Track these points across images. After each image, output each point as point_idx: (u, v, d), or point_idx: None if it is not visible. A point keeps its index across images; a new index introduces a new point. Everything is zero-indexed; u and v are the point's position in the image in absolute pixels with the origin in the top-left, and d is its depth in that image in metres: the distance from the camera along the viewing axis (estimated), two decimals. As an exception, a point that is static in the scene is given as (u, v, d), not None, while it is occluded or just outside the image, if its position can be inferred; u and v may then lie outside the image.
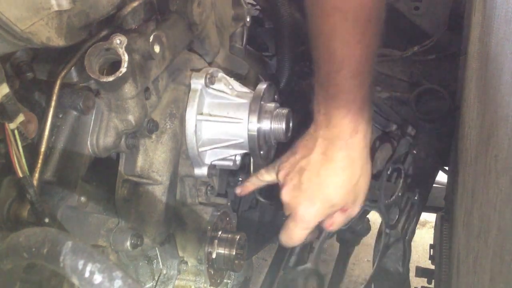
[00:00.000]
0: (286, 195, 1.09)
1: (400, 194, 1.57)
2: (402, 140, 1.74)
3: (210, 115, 1.19)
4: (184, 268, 1.22)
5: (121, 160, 1.11)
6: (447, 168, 1.76)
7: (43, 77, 0.94)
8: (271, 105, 1.23)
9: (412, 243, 1.69)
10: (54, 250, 0.59)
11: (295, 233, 1.10)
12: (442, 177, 1.80)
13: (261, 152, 1.24)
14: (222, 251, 1.23)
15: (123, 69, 0.92)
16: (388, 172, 1.59)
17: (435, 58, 1.85)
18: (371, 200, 1.53)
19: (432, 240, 1.76)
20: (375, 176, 1.88)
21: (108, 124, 1.00)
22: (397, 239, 1.59)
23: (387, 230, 1.60)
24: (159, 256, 1.21)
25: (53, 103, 0.89)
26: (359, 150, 1.02)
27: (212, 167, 1.24)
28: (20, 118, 0.79)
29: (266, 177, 1.22)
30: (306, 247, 2.03)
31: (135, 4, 0.98)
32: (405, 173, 1.59)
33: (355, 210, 1.12)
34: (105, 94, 1.00)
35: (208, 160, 1.24)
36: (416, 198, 1.61)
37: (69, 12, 0.82)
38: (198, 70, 1.22)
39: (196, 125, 1.17)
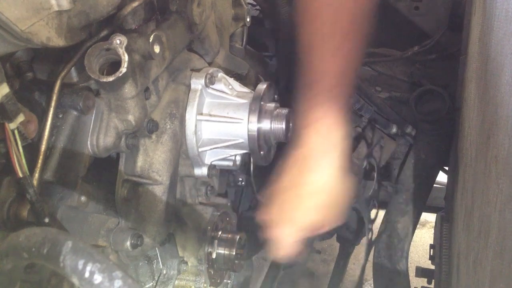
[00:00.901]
0: (261, 215, 1.04)
1: (376, 188, 1.59)
2: (402, 140, 1.74)
3: (210, 115, 1.19)
4: (184, 268, 1.22)
5: (121, 160, 1.11)
6: (447, 168, 1.76)
7: (43, 77, 0.94)
8: (271, 105, 1.23)
9: (412, 243, 1.69)
10: (54, 250, 0.59)
11: (276, 253, 1.03)
12: (442, 177, 1.80)
13: (261, 152, 1.24)
14: (222, 251, 1.23)
15: (123, 69, 0.92)
16: (364, 167, 1.61)
17: (435, 58, 1.85)
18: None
19: (432, 240, 1.76)
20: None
21: (108, 124, 1.00)
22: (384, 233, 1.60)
23: (370, 225, 1.62)
24: (159, 256, 1.21)
25: (53, 103, 0.89)
26: (330, 171, 0.94)
27: (212, 167, 1.24)
28: (20, 118, 0.79)
29: None
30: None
31: (135, 4, 0.98)
32: (377, 166, 1.61)
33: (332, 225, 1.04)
34: (105, 94, 1.00)
35: (208, 160, 1.24)
36: (390, 187, 1.63)
37: (69, 12, 0.82)
38: (198, 70, 1.22)
39: (196, 125, 1.17)
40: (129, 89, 0.99)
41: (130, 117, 1.02)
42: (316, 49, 0.92)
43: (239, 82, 1.28)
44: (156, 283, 1.20)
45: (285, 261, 1.07)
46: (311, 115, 0.94)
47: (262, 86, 1.23)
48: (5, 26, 0.70)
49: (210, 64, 1.35)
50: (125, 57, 0.92)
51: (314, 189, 0.95)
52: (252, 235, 1.59)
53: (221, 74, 1.24)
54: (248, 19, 1.63)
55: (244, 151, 1.24)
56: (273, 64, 1.94)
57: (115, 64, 0.94)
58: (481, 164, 0.91)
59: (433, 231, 1.76)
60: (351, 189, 1.01)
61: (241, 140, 1.19)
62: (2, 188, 0.83)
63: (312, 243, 1.48)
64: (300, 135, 0.96)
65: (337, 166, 0.95)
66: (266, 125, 1.20)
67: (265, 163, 1.33)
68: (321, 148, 0.93)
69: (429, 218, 3.05)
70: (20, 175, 0.81)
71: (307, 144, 0.94)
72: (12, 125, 0.78)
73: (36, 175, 0.87)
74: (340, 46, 0.91)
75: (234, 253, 1.22)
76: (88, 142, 0.98)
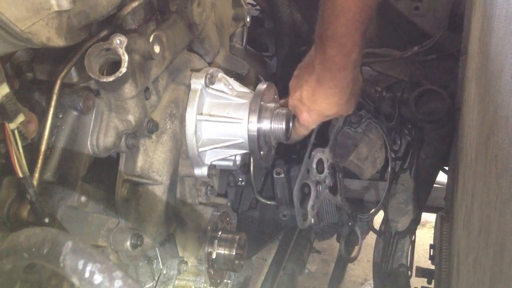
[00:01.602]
0: (291, 101, 1.33)
1: (398, 121, 1.68)
2: (402, 140, 1.74)
3: (210, 115, 1.19)
4: (184, 268, 1.22)
5: (121, 160, 1.11)
6: (447, 168, 1.76)
7: (43, 77, 0.94)
8: (271, 105, 1.23)
9: (412, 243, 1.69)
10: (54, 250, 0.59)
11: (300, 132, 1.38)
12: (442, 177, 1.80)
13: (261, 152, 1.24)
14: (222, 251, 1.23)
15: (123, 69, 0.92)
16: (384, 96, 1.66)
17: (435, 58, 1.85)
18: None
19: (432, 240, 1.76)
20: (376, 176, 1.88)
21: (108, 124, 1.00)
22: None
23: (393, 155, 1.65)
24: (159, 256, 1.21)
25: (53, 103, 0.89)
26: (346, 82, 1.24)
27: (212, 167, 1.24)
28: (20, 118, 0.79)
29: None
30: (306, 247, 2.04)
31: (135, 4, 0.98)
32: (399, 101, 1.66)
33: (348, 113, 1.43)
34: (105, 94, 1.00)
35: (208, 160, 1.24)
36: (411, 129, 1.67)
37: (69, 12, 0.82)
38: (198, 70, 1.22)
39: (196, 125, 1.17)
40: (129, 89, 0.99)
41: (130, 117, 1.02)
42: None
43: (239, 82, 1.28)
44: (156, 283, 1.20)
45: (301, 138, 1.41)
46: (334, 40, 1.16)
47: (262, 86, 1.23)
48: (5, 26, 0.71)
49: (210, 64, 1.35)
50: (125, 57, 0.92)
51: (332, 92, 1.25)
52: (252, 235, 1.59)
53: (221, 74, 1.24)
54: (248, 19, 1.63)
55: (244, 151, 1.24)
56: (273, 64, 1.94)
57: (115, 64, 0.94)
58: (481, 164, 0.91)
59: (433, 231, 1.76)
60: (361, 84, 1.35)
61: (241, 140, 1.19)
62: (2, 188, 0.83)
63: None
64: (324, 53, 1.19)
65: (351, 80, 1.24)
66: (266, 125, 1.20)
67: (265, 163, 1.33)
68: (340, 65, 1.20)
69: (429, 218, 3.05)
70: (20, 175, 0.81)
71: (330, 61, 1.20)
72: (12, 125, 0.78)
73: (36, 175, 0.87)
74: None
75: (234, 253, 1.22)
76: (88, 142, 0.98)
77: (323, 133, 1.64)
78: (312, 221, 1.58)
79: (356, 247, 1.70)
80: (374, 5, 1.13)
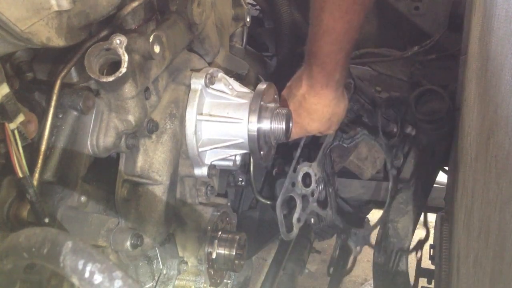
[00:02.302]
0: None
1: (400, 135, 1.68)
2: (402, 141, 1.74)
3: (210, 115, 1.19)
4: (184, 268, 1.22)
5: (121, 160, 1.11)
6: (447, 168, 1.76)
7: (43, 77, 0.94)
8: (271, 105, 1.23)
9: (412, 243, 1.69)
10: (54, 250, 0.59)
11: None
12: (442, 177, 1.80)
13: (261, 153, 1.24)
14: (222, 251, 1.23)
15: (123, 69, 0.92)
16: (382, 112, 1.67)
17: (435, 58, 1.85)
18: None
19: (432, 240, 1.76)
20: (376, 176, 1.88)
21: (108, 124, 1.00)
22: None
23: (394, 171, 1.65)
24: (159, 256, 1.21)
25: (53, 103, 0.89)
26: (328, 100, 1.30)
27: (212, 167, 1.24)
28: (20, 118, 0.79)
29: None
30: (306, 247, 2.04)
31: (135, 4, 0.98)
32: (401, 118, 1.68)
33: (329, 133, 1.49)
34: (105, 94, 1.00)
35: (208, 160, 1.24)
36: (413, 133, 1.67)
37: (69, 12, 0.82)
38: (198, 70, 1.22)
39: (196, 125, 1.17)
40: (129, 89, 0.99)
41: (130, 117, 1.02)
42: (327, 10, 1.13)
43: (239, 82, 1.28)
44: (156, 283, 1.20)
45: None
46: (318, 59, 1.23)
47: (262, 86, 1.23)
48: (5, 26, 0.71)
49: (210, 64, 1.35)
50: (125, 57, 0.92)
51: (315, 108, 1.31)
52: (252, 235, 1.59)
53: (221, 74, 1.24)
54: (248, 19, 1.63)
55: (244, 151, 1.24)
56: (273, 64, 1.94)
57: (115, 64, 0.94)
58: (481, 164, 0.91)
59: (433, 231, 1.76)
60: (346, 105, 1.39)
61: (241, 140, 1.19)
62: (2, 188, 0.83)
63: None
64: (310, 70, 1.25)
65: (333, 98, 1.30)
66: (266, 125, 1.20)
67: (265, 163, 1.34)
68: (323, 83, 1.27)
69: (429, 218, 3.04)
70: (20, 175, 0.81)
71: (314, 78, 1.26)
72: (12, 125, 0.78)
73: (36, 175, 0.87)
74: (348, 10, 1.12)
75: (234, 253, 1.22)
76: (88, 142, 0.98)
77: (312, 147, 1.65)
78: (312, 221, 1.58)
79: (352, 258, 1.71)
80: (359, 27, 1.17)
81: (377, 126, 1.67)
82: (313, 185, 1.52)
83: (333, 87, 1.27)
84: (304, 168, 1.49)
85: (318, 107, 1.31)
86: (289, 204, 1.64)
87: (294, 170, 1.47)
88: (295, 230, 1.46)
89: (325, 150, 1.59)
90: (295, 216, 1.46)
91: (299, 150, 1.52)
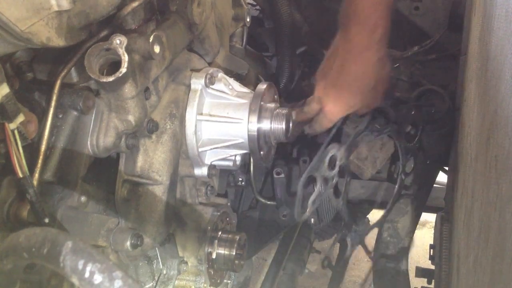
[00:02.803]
0: (316, 93, 1.29)
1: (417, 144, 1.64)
2: (402, 141, 1.74)
3: (210, 115, 1.19)
4: (184, 268, 1.22)
5: (121, 160, 1.11)
6: (447, 168, 1.76)
7: (43, 77, 0.94)
8: (271, 105, 1.23)
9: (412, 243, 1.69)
10: (54, 250, 0.59)
11: (323, 124, 1.33)
12: (442, 177, 1.80)
13: (261, 153, 1.24)
14: (222, 251, 1.23)
15: (123, 69, 0.92)
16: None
17: (435, 58, 1.85)
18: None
19: (432, 240, 1.76)
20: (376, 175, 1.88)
21: (108, 124, 1.00)
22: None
23: (403, 176, 1.63)
24: (159, 256, 1.21)
25: (53, 103, 0.89)
26: (370, 64, 1.18)
27: (212, 167, 1.24)
28: (20, 118, 0.79)
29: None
30: (306, 247, 2.04)
31: (135, 4, 0.98)
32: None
33: (374, 106, 1.37)
34: (105, 94, 1.00)
35: (208, 160, 1.24)
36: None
37: (69, 12, 0.82)
38: (198, 70, 1.22)
39: (196, 125, 1.17)
40: (129, 89, 0.99)
41: (130, 117, 1.02)
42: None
43: (239, 82, 1.28)
44: (156, 283, 1.20)
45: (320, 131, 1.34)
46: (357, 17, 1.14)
47: (262, 86, 1.23)
48: (5, 26, 0.71)
49: (210, 64, 1.35)
50: (125, 57, 0.92)
51: (359, 74, 1.19)
52: (252, 235, 1.59)
53: (221, 74, 1.24)
54: (248, 19, 1.63)
55: (244, 151, 1.24)
56: (273, 64, 1.94)
57: (115, 64, 0.94)
58: (481, 164, 0.91)
59: (433, 231, 1.76)
60: (387, 76, 1.26)
61: (241, 140, 1.19)
62: (2, 188, 0.83)
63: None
64: (347, 29, 1.15)
65: (378, 56, 1.17)
66: (266, 125, 1.20)
67: (265, 163, 1.33)
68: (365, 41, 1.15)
69: (429, 218, 3.05)
70: (20, 175, 0.81)
71: (353, 38, 1.15)
72: (12, 125, 0.78)
73: (36, 175, 0.87)
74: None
75: (234, 253, 1.22)
76: (88, 142, 0.98)
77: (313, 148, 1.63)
78: (312, 221, 1.58)
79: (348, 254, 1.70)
80: None
81: (401, 128, 1.65)
82: (337, 169, 1.47)
83: (374, 49, 1.15)
84: (333, 150, 1.44)
85: (360, 75, 1.18)
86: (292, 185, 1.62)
87: (326, 147, 1.42)
88: (308, 212, 1.42)
89: (357, 135, 1.54)
90: (312, 197, 1.41)
91: (335, 129, 1.45)
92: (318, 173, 1.39)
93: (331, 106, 1.25)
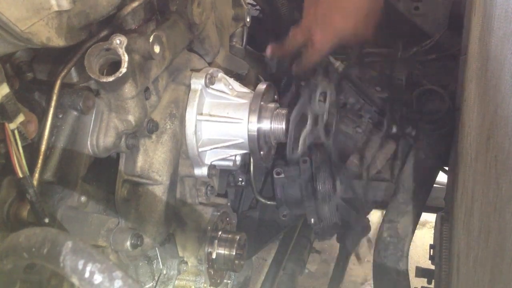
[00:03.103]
0: (304, 22, 1.26)
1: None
2: (402, 141, 1.74)
3: (210, 115, 1.19)
4: (184, 268, 1.22)
5: (121, 160, 1.11)
6: (447, 168, 1.76)
7: (43, 77, 0.94)
8: (271, 105, 1.23)
9: (412, 243, 1.69)
10: (54, 250, 0.59)
11: (312, 58, 1.31)
12: (442, 177, 1.80)
13: (261, 153, 1.24)
14: (222, 251, 1.23)
15: (123, 69, 0.92)
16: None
17: (435, 58, 1.85)
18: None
19: (432, 240, 1.76)
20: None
21: (108, 124, 1.00)
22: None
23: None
24: (159, 256, 1.21)
25: (53, 103, 0.89)
26: None
27: (212, 167, 1.24)
28: (20, 118, 0.79)
29: None
30: (306, 247, 2.04)
31: (135, 4, 0.98)
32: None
33: (366, 36, 1.28)
34: (105, 94, 1.00)
35: (208, 160, 1.24)
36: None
37: (69, 12, 0.82)
38: (198, 70, 1.22)
39: (196, 125, 1.17)
40: (129, 89, 0.99)
41: (130, 117, 1.02)
42: None
43: (239, 82, 1.28)
44: (156, 283, 1.20)
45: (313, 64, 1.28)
46: None
47: (262, 86, 1.23)
48: (5, 26, 0.71)
49: (210, 64, 1.35)
50: (125, 57, 0.92)
51: None
52: (252, 235, 1.59)
53: (221, 74, 1.24)
54: (248, 19, 1.63)
55: (244, 151, 1.24)
56: (273, 64, 1.94)
57: (115, 64, 0.94)
58: (481, 164, 0.91)
59: (433, 231, 1.76)
60: (379, 6, 1.18)
61: (241, 140, 1.19)
62: (2, 188, 0.83)
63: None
64: None
65: None
66: (266, 125, 1.20)
67: (265, 163, 1.33)
68: None
69: (429, 218, 3.05)
70: (20, 175, 0.81)
71: None
72: (12, 125, 0.78)
73: (36, 175, 0.87)
74: None
75: (234, 253, 1.22)
76: (88, 142, 0.98)
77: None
78: (312, 221, 1.58)
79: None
80: None
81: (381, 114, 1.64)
82: (327, 105, 1.43)
83: None
84: (324, 84, 1.40)
85: None
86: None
87: (315, 80, 1.39)
88: (299, 151, 1.39)
89: (345, 71, 1.50)
90: (303, 135, 1.39)
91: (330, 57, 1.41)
92: (310, 108, 1.36)
93: (320, 33, 1.19)
